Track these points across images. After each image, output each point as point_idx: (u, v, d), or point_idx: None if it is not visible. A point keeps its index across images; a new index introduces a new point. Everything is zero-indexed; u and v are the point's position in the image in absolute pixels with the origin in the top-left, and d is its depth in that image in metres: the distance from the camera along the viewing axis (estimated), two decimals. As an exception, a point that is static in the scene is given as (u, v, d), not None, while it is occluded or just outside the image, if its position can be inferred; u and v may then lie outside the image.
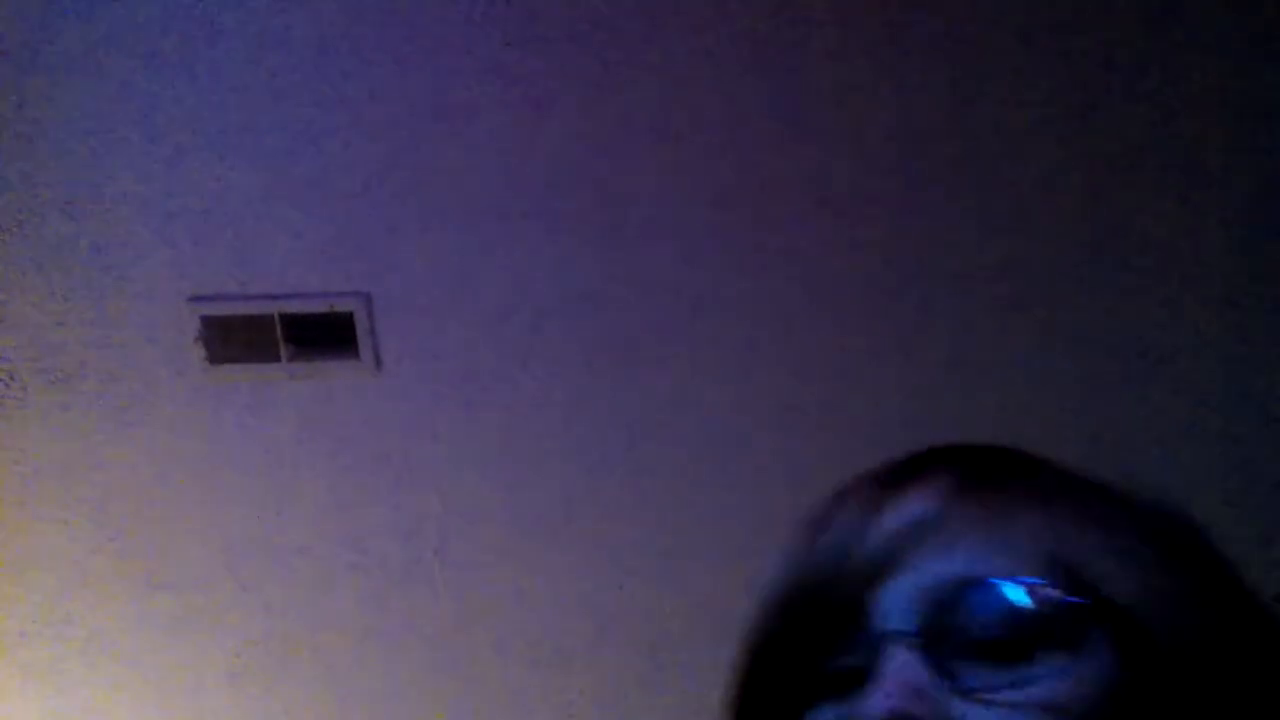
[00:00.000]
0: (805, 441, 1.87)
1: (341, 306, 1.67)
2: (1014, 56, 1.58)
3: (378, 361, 1.72)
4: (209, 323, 1.66)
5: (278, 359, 1.70)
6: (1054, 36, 1.57)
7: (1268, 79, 1.63)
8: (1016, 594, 0.43)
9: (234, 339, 1.68)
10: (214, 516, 1.83)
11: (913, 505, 0.47)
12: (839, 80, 1.57)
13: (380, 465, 1.82)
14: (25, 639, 1.90)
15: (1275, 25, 1.58)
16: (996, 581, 0.43)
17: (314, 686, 2.05)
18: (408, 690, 2.08)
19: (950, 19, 1.54)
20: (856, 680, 0.42)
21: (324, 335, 1.69)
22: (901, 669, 0.41)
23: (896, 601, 0.44)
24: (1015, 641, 0.41)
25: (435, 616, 1.99)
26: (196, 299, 1.65)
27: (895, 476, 0.50)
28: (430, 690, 2.08)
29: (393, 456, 1.82)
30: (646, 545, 1.93)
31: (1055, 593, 0.43)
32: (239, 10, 1.46)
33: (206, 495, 1.81)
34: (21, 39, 1.44)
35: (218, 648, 1.97)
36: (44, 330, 1.64)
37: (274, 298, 1.67)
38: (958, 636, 0.42)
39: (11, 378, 1.67)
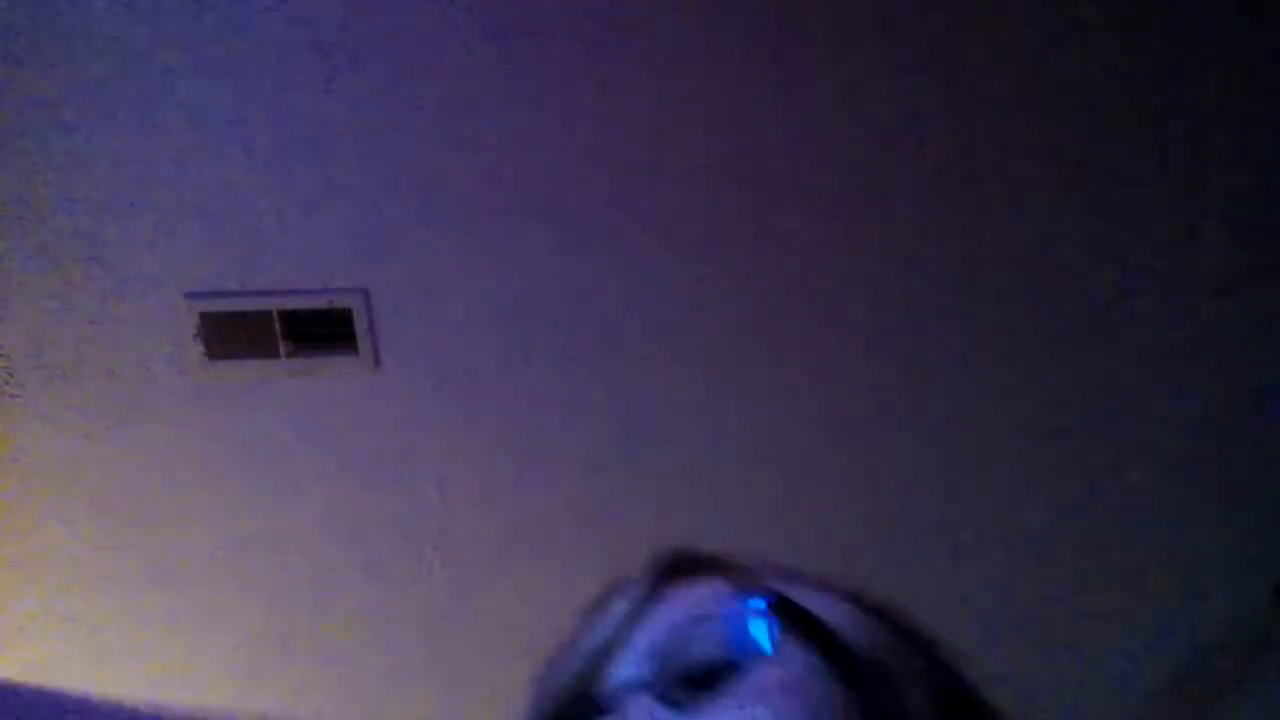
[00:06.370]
0: (804, 440, 1.88)
1: (340, 303, 1.67)
2: (1014, 57, 1.58)
3: (376, 358, 1.72)
4: (208, 319, 1.66)
5: (276, 355, 1.70)
6: (1054, 37, 1.57)
7: (1268, 79, 1.63)
8: (729, 618, 0.51)
9: (233, 335, 1.67)
10: (214, 513, 1.83)
11: (638, 591, 0.56)
12: (839, 80, 1.57)
13: (379, 461, 1.83)
14: (26, 635, 1.90)
15: (1275, 24, 1.58)
16: (710, 614, 0.51)
17: (314, 680, 2.05)
18: (407, 683, 2.08)
19: (950, 20, 1.54)
20: None
21: (323, 332, 1.69)
22: (634, 711, 0.48)
23: (632, 660, 0.52)
24: (730, 662, 0.49)
25: (434, 611, 1.99)
26: (195, 295, 1.65)
27: (648, 578, 0.58)
28: (429, 683, 2.09)
29: (391, 452, 1.82)
30: (644, 540, 1.93)
31: (760, 602, 0.51)
32: (237, 9, 1.45)
33: (206, 491, 1.81)
34: (21, 38, 1.43)
35: (218, 643, 1.97)
36: (43, 327, 1.64)
37: (273, 294, 1.67)
38: (684, 673, 0.49)
39: (10, 374, 1.67)
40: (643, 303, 1.72)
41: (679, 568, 0.57)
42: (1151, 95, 1.63)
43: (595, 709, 0.51)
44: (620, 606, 0.55)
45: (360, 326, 1.69)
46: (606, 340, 1.75)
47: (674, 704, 0.49)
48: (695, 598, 0.54)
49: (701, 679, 0.49)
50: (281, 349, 1.69)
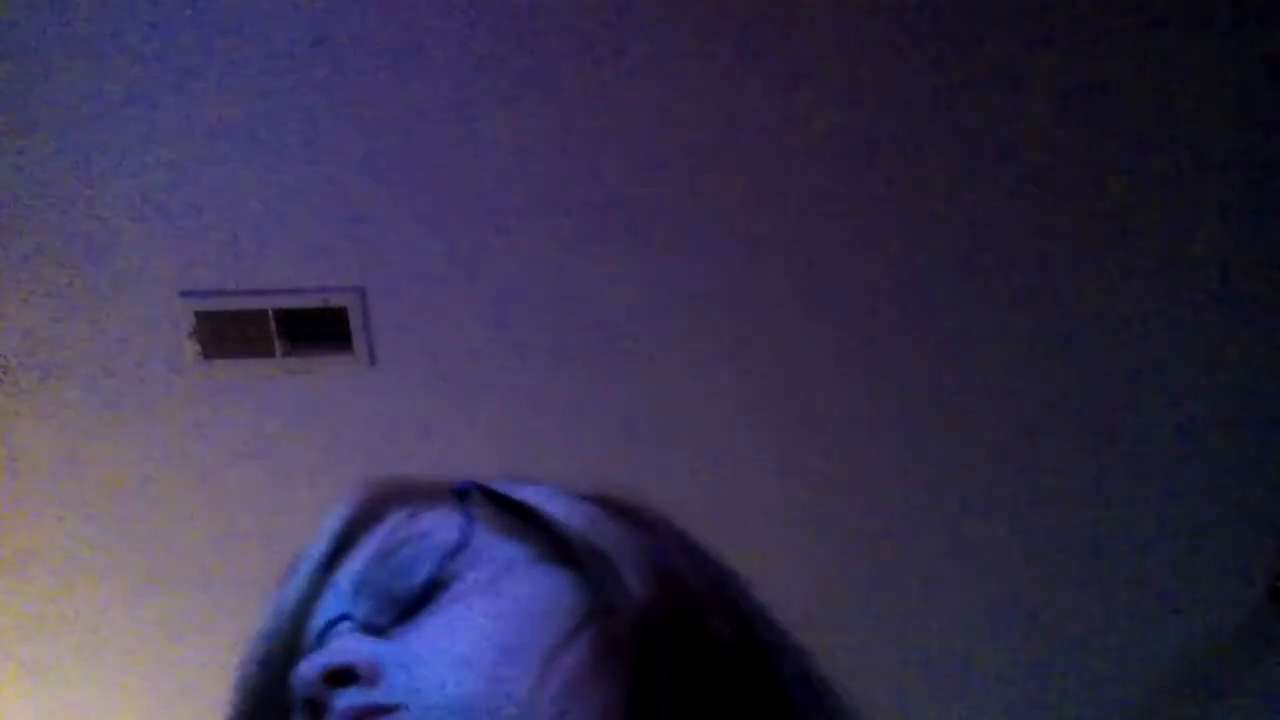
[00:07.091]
0: (801, 438, 1.87)
1: (335, 301, 1.67)
2: (1013, 56, 1.58)
3: (372, 356, 1.72)
4: (203, 318, 1.65)
5: (272, 354, 1.69)
6: (1053, 36, 1.57)
7: (1267, 78, 1.63)
8: (431, 534, 0.51)
9: (228, 334, 1.67)
10: (209, 512, 1.83)
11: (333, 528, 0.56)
12: (838, 80, 1.56)
13: (375, 460, 1.82)
14: (20, 636, 1.90)
15: (1275, 25, 1.58)
16: (414, 535, 0.51)
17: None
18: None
19: (950, 19, 1.53)
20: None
21: (318, 330, 1.69)
22: (336, 638, 0.49)
23: (335, 596, 0.52)
24: (436, 576, 0.49)
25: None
26: (190, 294, 1.64)
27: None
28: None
29: (387, 451, 1.81)
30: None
31: (462, 508, 0.52)
32: (235, 7, 1.45)
33: (201, 491, 1.81)
34: (19, 36, 1.43)
35: (213, 643, 1.97)
36: (37, 326, 1.63)
37: (268, 293, 1.66)
38: (388, 597, 0.49)
39: (5, 373, 1.66)
40: (640, 302, 1.72)
41: (385, 499, 0.57)
42: (1151, 95, 1.63)
43: (300, 649, 0.51)
44: (324, 546, 0.55)
45: (355, 325, 1.68)
46: (603, 339, 1.75)
47: (378, 630, 0.49)
48: (398, 523, 0.53)
49: (408, 599, 0.49)
50: (277, 348, 1.69)
